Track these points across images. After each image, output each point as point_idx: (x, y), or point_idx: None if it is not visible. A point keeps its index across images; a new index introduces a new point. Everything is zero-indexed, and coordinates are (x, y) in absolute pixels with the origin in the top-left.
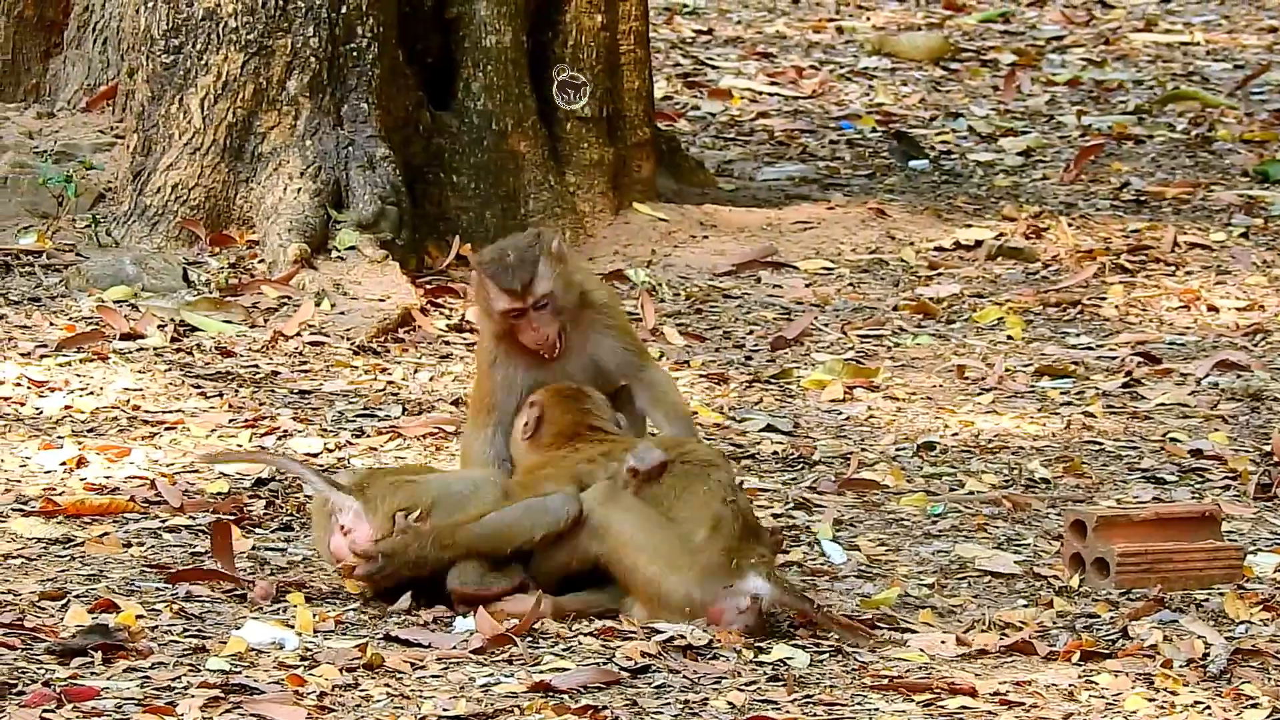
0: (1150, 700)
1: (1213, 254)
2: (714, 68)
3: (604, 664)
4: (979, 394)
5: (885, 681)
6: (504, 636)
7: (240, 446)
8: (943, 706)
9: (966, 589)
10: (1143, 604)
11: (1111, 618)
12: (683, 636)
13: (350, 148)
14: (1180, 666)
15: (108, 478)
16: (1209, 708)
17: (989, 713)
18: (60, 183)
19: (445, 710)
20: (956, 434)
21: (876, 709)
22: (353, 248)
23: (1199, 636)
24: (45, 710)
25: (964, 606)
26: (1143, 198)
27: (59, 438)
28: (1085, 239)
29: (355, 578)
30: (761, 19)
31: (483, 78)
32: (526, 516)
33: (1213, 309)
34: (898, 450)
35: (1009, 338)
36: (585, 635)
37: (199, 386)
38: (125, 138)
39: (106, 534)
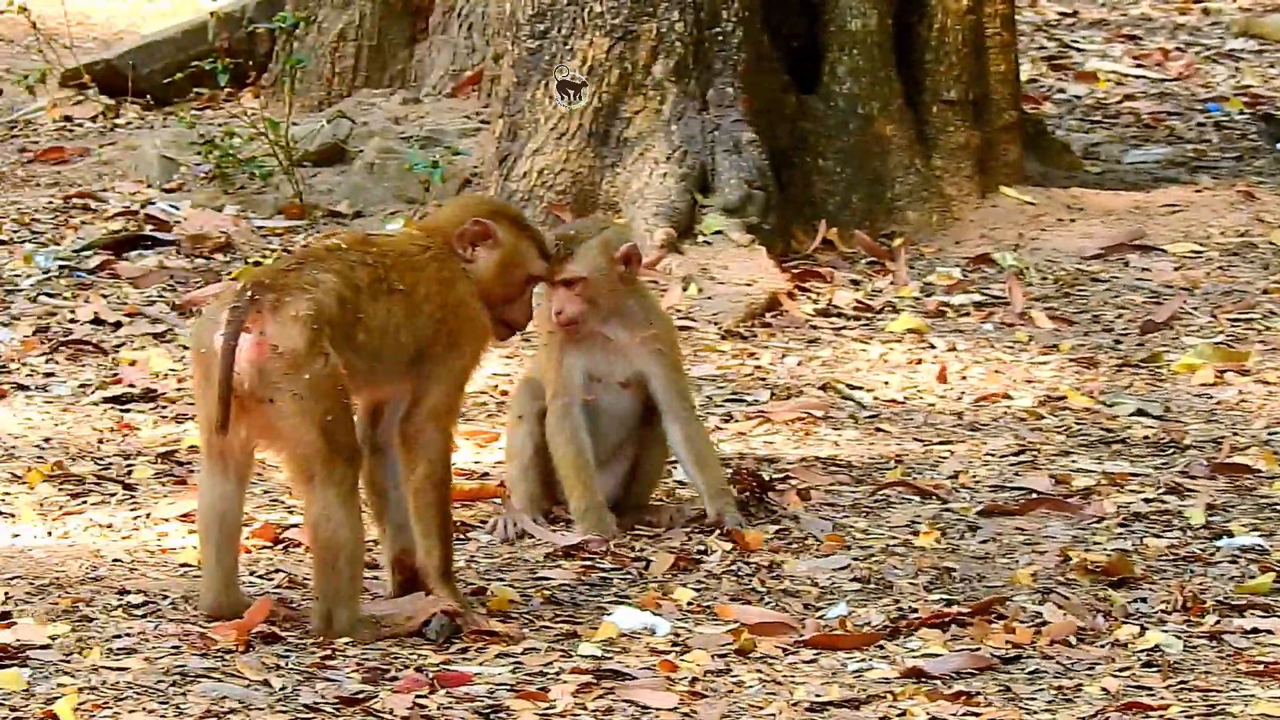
0: None
1: None
2: (1079, 50)
3: (976, 650)
4: None
5: (1261, 667)
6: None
7: None
8: None
9: None
10: None
11: None
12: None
13: (716, 132)
14: None
15: (477, 463)
16: None
17: None
18: (426, 168)
19: (817, 696)
20: None
21: (1252, 695)
22: (719, 232)
23: None
24: (418, 695)
25: None
26: None
27: None
28: None
29: None
30: (1126, 1)
31: (848, 61)
32: None
33: None
34: (1270, 435)
35: None
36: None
37: None
38: (491, 123)
39: (482, 518)
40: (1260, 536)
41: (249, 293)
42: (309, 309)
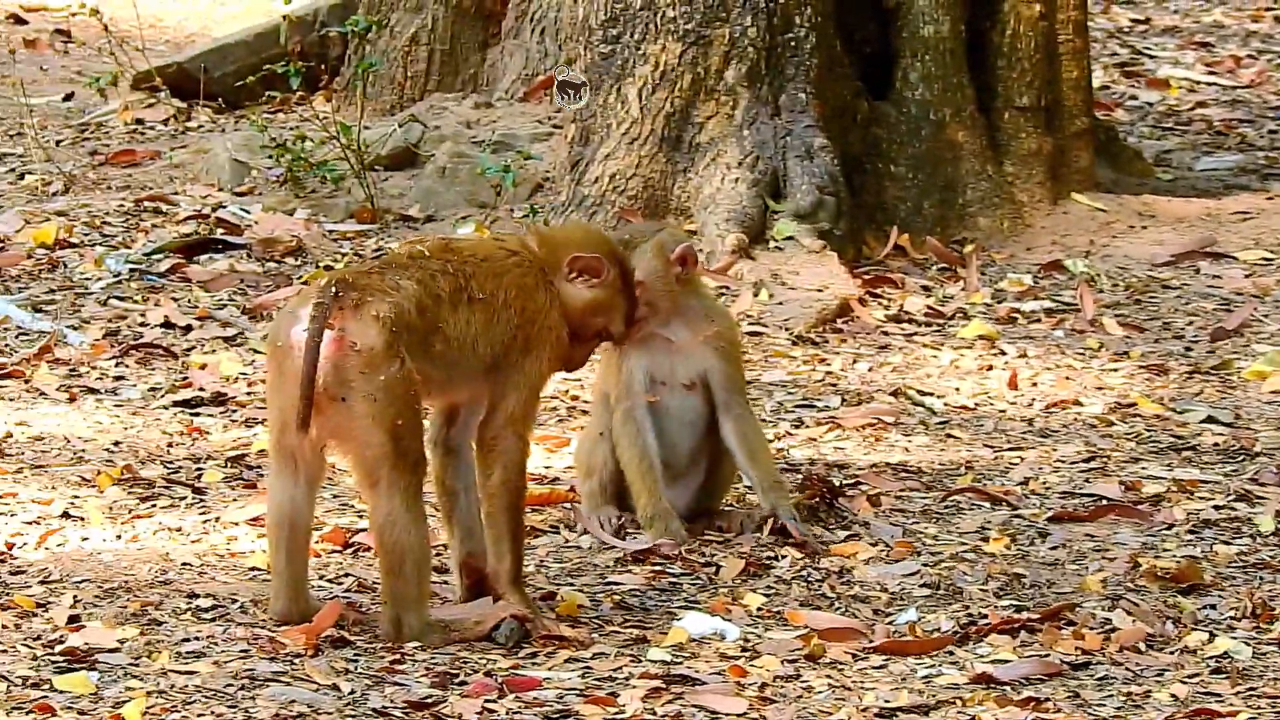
0: None
1: None
2: (1151, 57)
3: (1045, 656)
4: None
5: None
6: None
7: None
8: None
9: None
10: None
11: None
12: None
13: (788, 137)
14: None
15: (547, 467)
16: None
17: None
18: (498, 173)
19: (887, 702)
20: None
21: None
22: (790, 238)
23: None
24: (487, 700)
25: None
26: None
27: None
28: None
29: None
30: (1199, 8)
31: (920, 67)
32: None
33: None
34: None
35: None
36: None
37: None
38: (563, 128)
39: (553, 523)
40: None
41: (333, 289)
42: (390, 311)
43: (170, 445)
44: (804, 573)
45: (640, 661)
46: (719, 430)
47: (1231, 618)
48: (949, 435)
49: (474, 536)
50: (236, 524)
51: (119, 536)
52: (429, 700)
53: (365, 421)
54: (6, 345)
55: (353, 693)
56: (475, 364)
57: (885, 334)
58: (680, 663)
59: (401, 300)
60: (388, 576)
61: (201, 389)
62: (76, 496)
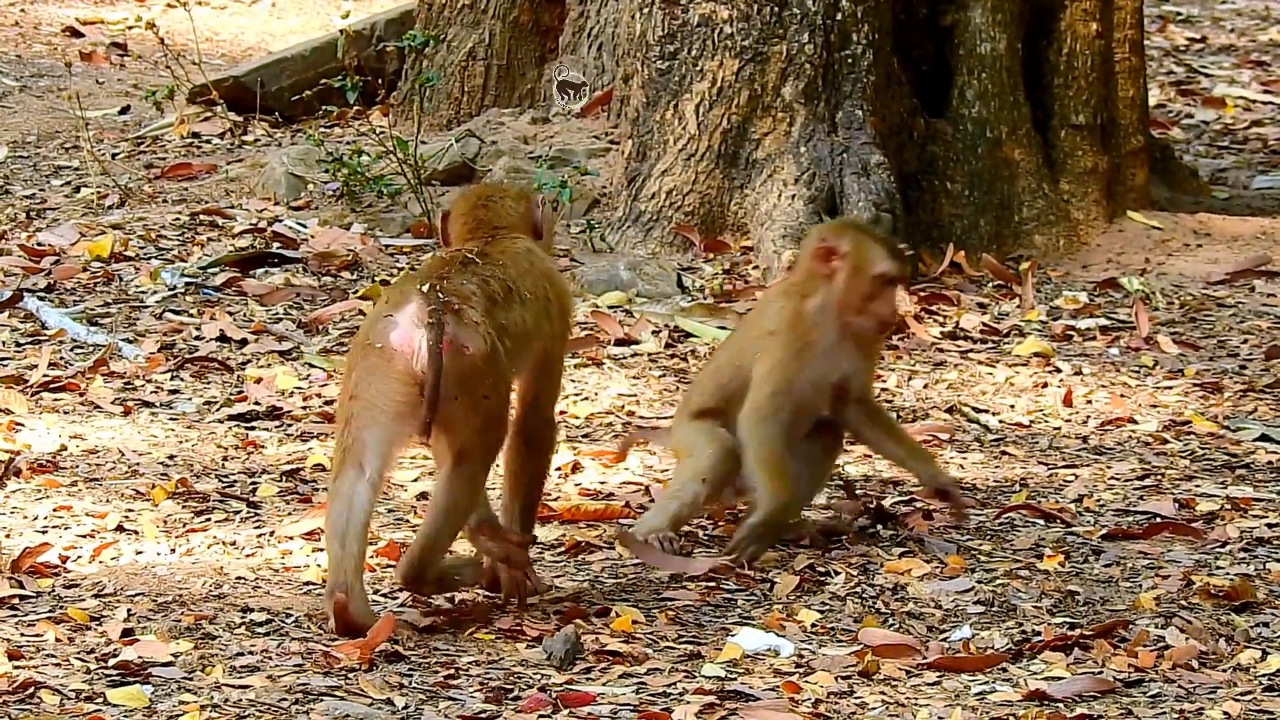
0: None
1: None
2: (1207, 76)
3: (1099, 674)
4: None
5: None
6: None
7: None
8: None
9: None
10: None
11: None
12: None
13: (845, 154)
14: None
15: (603, 483)
16: None
17: None
18: (555, 188)
19: (940, 718)
20: None
21: None
22: None
23: None
24: (541, 715)
25: None
26: None
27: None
28: None
29: None
30: (1255, 27)
31: (977, 85)
32: None
33: None
34: None
35: None
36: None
37: None
38: (620, 143)
39: (609, 540)
40: None
41: (439, 295)
42: (483, 313)
43: (225, 459)
44: (858, 589)
45: (694, 677)
46: (816, 436)
47: None
48: (1004, 452)
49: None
50: (291, 538)
51: (173, 550)
52: (483, 715)
53: (473, 416)
54: (62, 358)
55: (406, 707)
56: (528, 359)
57: (941, 350)
58: (734, 679)
59: (484, 302)
60: (430, 527)
61: (257, 403)
62: (131, 510)
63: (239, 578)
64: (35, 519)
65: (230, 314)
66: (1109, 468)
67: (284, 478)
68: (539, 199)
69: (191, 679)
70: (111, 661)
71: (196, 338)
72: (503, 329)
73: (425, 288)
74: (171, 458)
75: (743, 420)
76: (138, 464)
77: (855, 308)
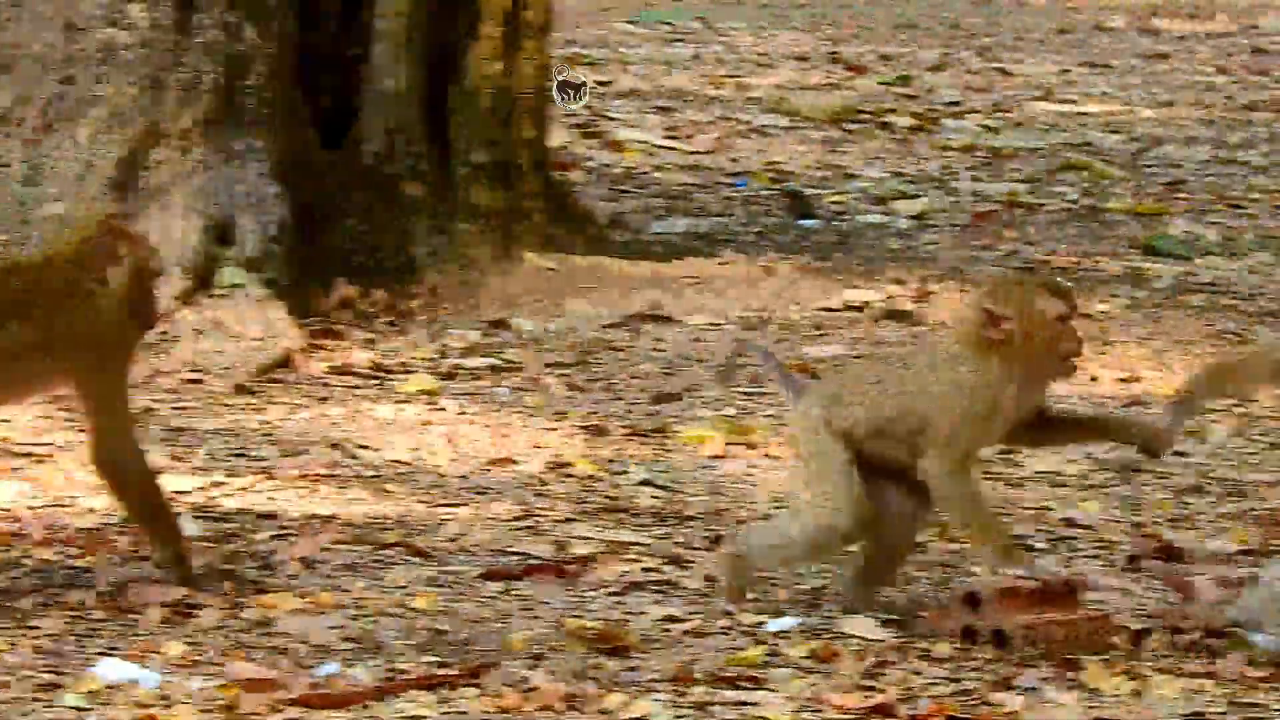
0: None
1: (1096, 324)
2: (611, 119)
3: (464, 714)
4: None
5: None
6: None
7: None
8: None
9: None
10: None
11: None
12: None
13: (240, 185)
14: None
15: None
16: None
17: None
18: None
19: None
20: None
21: None
22: (238, 285)
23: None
24: None
25: None
26: (1030, 265)
27: None
28: None
29: None
30: (661, 72)
31: (378, 120)
32: None
33: (1094, 379)
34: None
35: None
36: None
37: None
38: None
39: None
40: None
41: None
42: None
43: None
44: (226, 622)
45: (52, 706)
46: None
47: (654, 680)
48: (383, 490)
49: None
50: None
51: None
52: None
53: None
54: None
55: None
56: None
57: (327, 385)
58: (91, 710)
59: None
60: None
61: None
62: None
63: None
64: None
65: None
66: (488, 507)
67: None
68: None
69: None
70: None
71: None
72: None
73: None
74: None
75: (938, 475)
76: None
77: (1043, 355)
